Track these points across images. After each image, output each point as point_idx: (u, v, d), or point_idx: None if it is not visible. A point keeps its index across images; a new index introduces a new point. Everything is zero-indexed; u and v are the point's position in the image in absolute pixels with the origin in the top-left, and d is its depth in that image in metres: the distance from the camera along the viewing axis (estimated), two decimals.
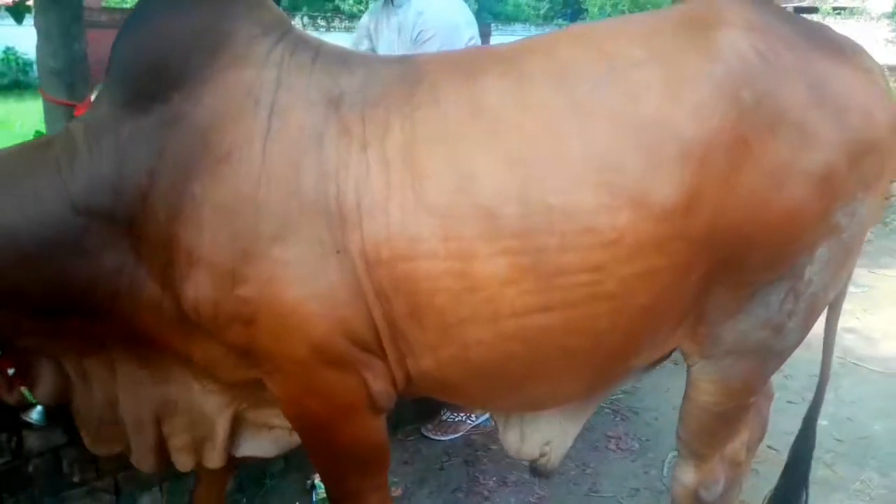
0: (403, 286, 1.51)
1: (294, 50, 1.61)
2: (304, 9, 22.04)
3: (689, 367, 1.84)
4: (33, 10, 2.41)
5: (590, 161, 1.47)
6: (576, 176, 1.47)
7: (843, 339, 4.17)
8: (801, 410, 3.30)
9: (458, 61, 1.68)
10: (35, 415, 1.86)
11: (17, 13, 2.78)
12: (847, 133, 1.49)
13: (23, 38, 15.84)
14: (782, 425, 3.19)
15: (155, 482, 2.41)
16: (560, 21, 30.73)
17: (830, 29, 1.68)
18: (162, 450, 1.90)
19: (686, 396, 1.89)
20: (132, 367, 1.78)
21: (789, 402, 3.45)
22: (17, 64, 16.04)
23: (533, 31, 25.39)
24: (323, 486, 2.64)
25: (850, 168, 1.49)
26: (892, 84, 1.78)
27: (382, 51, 2.96)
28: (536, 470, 2.04)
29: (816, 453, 2.99)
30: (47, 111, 2.55)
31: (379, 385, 1.64)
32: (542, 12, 34.24)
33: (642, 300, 1.54)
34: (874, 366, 3.86)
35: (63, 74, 2.46)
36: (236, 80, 1.54)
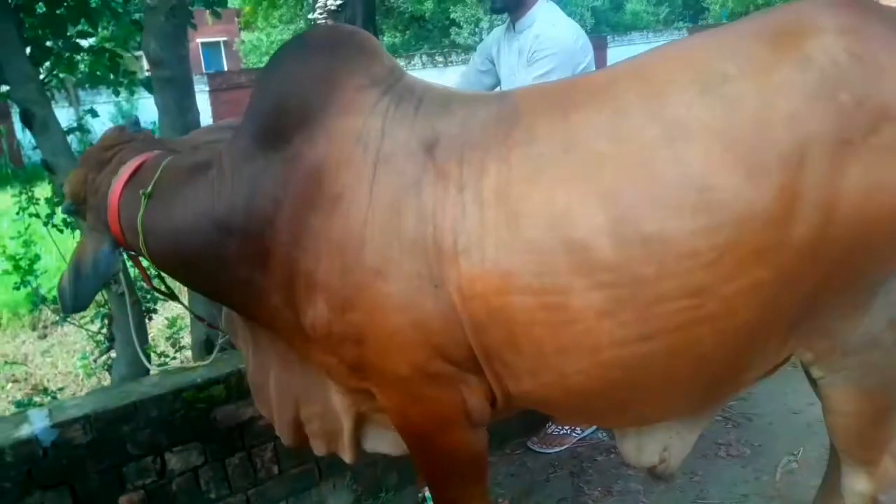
0: (499, 318, 1.60)
1: (400, 101, 1.76)
2: (425, 46, 22.90)
3: (817, 378, 1.78)
4: (154, 89, 2.80)
5: (684, 184, 1.50)
6: (670, 201, 1.50)
7: None
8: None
9: (554, 96, 1.72)
10: None
11: (149, 87, 3.24)
12: None
13: None
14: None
15: (281, 497, 2.68)
16: (680, 24, 29.89)
17: None
18: (298, 429, 2.13)
19: (825, 409, 1.83)
20: (285, 349, 2.03)
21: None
22: None
23: (651, 38, 24.89)
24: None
25: None
26: None
27: (504, 73, 3.11)
28: (656, 475, 2.05)
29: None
30: None
31: (475, 401, 1.78)
32: (661, 17, 33.50)
33: (746, 316, 1.55)
34: None
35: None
36: (346, 128, 1.73)
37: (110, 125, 2.39)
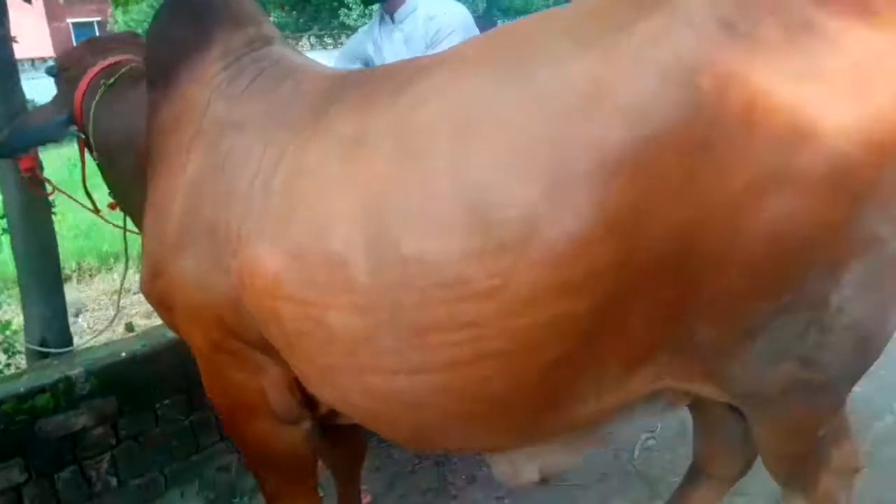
0: (274, 320, 1.48)
1: (239, 74, 1.70)
2: (314, 28, 22.35)
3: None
4: None
5: (458, 197, 1.23)
6: (439, 217, 1.25)
7: None
8: None
9: (377, 80, 1.52)
10: None
11: None
12: (873, 112, 1.09)
13: (41, 90, 16.49)
14: None
15: None
16: None
17: None
18: None
19: (754, 439, 1.63)
20: None
21: None
22: None
23: None
24: None
25: (882, 157, 1.10)
26: None
27: None
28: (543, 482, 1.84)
29: None
30: None
31: (277, 393, 1.69)
32: (551, 1, 34.13)
33: (556, 352, 1.27)
34: None
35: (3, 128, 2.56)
36: (185, 95, 1.73)
37: None
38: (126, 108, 1.96)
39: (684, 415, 2.09)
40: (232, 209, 1.53)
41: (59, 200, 2.68)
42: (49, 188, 2.46)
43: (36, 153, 2.64)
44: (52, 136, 2.13)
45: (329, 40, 19.96)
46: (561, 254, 1.18)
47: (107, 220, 2.34)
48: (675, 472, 2.63)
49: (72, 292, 5.19)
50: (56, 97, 2.20)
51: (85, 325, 4.63)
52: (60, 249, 2.96)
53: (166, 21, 1.87)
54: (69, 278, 5.33)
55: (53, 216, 2.82)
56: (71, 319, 4.61)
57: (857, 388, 3.06)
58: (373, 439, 3.09)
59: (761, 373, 1.31)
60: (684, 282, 1.20)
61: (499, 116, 1.24)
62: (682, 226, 1.15)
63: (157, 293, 1.73)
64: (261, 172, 1.50)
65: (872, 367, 3.60)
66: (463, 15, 2.83)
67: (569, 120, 1.18)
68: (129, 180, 1.96)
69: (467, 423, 1.45)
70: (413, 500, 2.74)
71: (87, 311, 4.95)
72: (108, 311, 4.77)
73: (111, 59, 2.11)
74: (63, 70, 2.17)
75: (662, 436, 2.98)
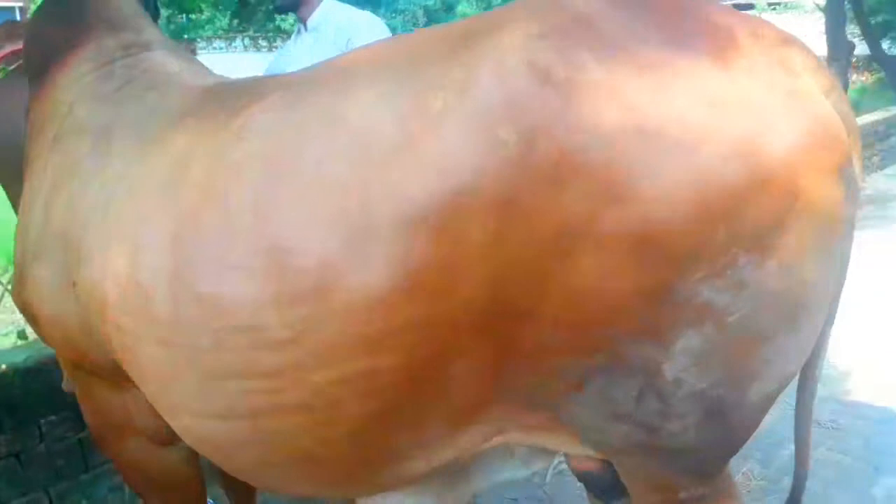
0: (108, 343, 1.42)
1: (108, 78, 1.63)
2: (250, 30, 21.96)
3: None
4: None
5: (259, 239, 1.18)
6: (237, 259, 1.19)
7: None
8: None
9: (232, 95, 1.44)
10: None
11: None
12: (697, 172, 1.00)
13: None
14: None
15: None
16: None
17: (724, 10, 1.15)
18: None
19: None
20: None
21: None
22: None
23: None
24: None
25: (706, 223, 1.01)
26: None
27: None
28: None
29: None
30: None
31: (142, 415, 1.59)
32: None
33: (361, 409, 1.21)
34: None
35: None
36: (51, 97, 1.68)
37: None
38: (14, 101, 1.85)
39: None
40: (78, 220, 1.46)
41: None
42: None
43: None
44: None
45: (264, 42, 19.63)
46: (360, 309, 1.12)
47: None
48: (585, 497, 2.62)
49: None
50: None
51: None
52: None
53: (44, 17, 1.84)
54: None
55: None
56: None
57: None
58: None
59: (605, 428, 1.23)
60: (502, 337, 1.13)
61: (306, 158, 1.17)
62: (492, 282, 1.08)
63: (21, 302, 1.64)
64: (105, 185, 1.43)
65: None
66: (373, 19, 2.81)
67: (373, 170, 1.11)
68: (15, 180, 1.83)
69: (286, 471, 1.38)
70: None
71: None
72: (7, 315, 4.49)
73: (11, 47, 2.06)
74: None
75: None
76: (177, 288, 1.25)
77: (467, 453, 1.31)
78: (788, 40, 1.10)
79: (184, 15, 21.89)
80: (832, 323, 1.28)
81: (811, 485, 2.73)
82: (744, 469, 2.88)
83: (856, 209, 1.16)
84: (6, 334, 4.37)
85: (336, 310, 1.12)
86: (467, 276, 1.08)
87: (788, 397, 3.21)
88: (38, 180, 1.60)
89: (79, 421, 2.42)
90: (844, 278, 1.22)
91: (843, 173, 1.07)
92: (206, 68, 1.81)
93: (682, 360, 1.08)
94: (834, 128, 1.07)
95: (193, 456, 1.70)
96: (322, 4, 2.80)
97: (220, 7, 22.54)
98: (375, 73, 1.20)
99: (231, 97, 1.40)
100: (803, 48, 1.11)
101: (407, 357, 1.14)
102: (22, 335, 3.57)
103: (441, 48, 1.16)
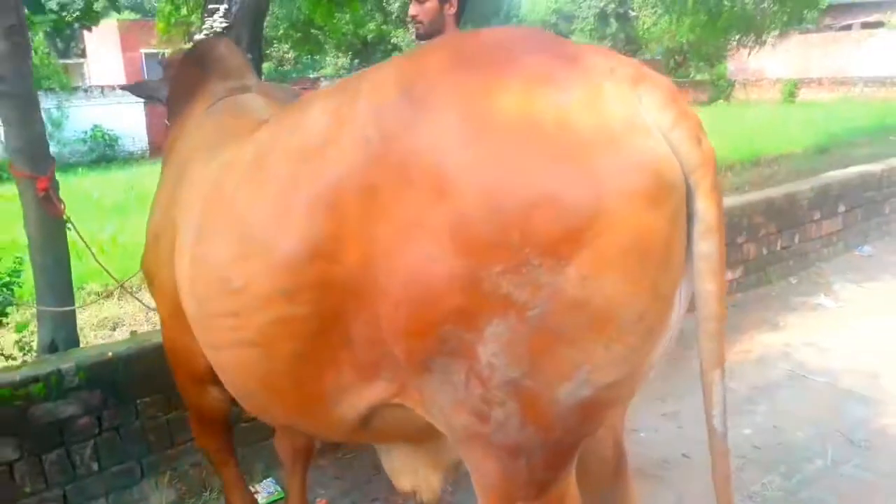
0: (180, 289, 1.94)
1: (212, 112, 2.29)
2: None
3: None
4: None
5: (234, 215, 1.60)
6: (222, 229, 1.63)
7: (799, 352, 4.25)
8: (734, 422, 3.50)
9: (264, 122, 1.87)
10: None
11: None
12: (501, 181, 1.16)
13: (109, 116, 17.55)
14: (699, 434, 3.35)
15: (100, 493, 2.82)
16: None
17: (587, 49, 1.31)
18: None
19: None
20: None
21: None
22: (104, 139, 17.62)
23: None
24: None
25: (503, 225, 1.16)
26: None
27: None
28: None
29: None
30: (18, 182, 3.08)
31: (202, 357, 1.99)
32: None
33: (291, 347, 1.51)
34: (822, 377, 3.91)
35: (25, 152, 2.99)
36: (180, 122, 2.44)
37: None
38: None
39: None
40: (172, 213, 2.01)
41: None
42: (63, 208, 2.90)
43: (52, 175, 3.07)
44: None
45: None
46: (281, 267, 1.44)
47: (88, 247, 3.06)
48: None
49: (112, 308, 5.65)
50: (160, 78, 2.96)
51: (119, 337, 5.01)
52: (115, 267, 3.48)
53: (181, 68, 2.64)
54: (111, 294, 5.77)
55: (68, 231, 3.22)
56: (107, 332, 5.02)
57: (798, 433, 3.30)
58: (339, 451, 3.39)
59: (450, 414, 1.36)
60: (373, 307, 1.34)
61: (270, 158, 1.55)
62: (363, 256, 1.31)
63: (146, 269, 2.25)
64: (190, 186, 1.95)
65: (815, 413, 3.81)
66: None
67: (301, 165, 1.44)
68: None
69: (259, 397, 1.76)
70: None
71: (125, 326, 5.35)
72: (143, 327, 5.14)
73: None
74: (165, 67, 2.95)
75: None
76: (195, 253, 1.73)
77: (376, 405, 1.54)
78: (642, 78, 1.23)
79: (309, 56, 23.49)
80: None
81: (830, 498, 2.85)
82: (764, 479, 3.00)
83: (689, 240, 1.24)
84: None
85: (268, 267, 1.47)
86: (351, 247, 1.33)
87: (824, 416, 3.32)
88: (165, 178, 2.27)
89: (168, 403, 2.93)
90: (670, 310, 1.27)
91: (662, 203, 1.17)
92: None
93: (492, 346, 1.22)
94: (654, 162, 1.17)
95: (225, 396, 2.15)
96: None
97: (343, 48, 23.95)
98: (326, 94, 1.55)
99: (265, 124, 1.84)
100: (656, 87, 1.22)
101: (315, 308, 1.42)
102: (134, 335, 4.15)
103: (358, 75, 1.50)
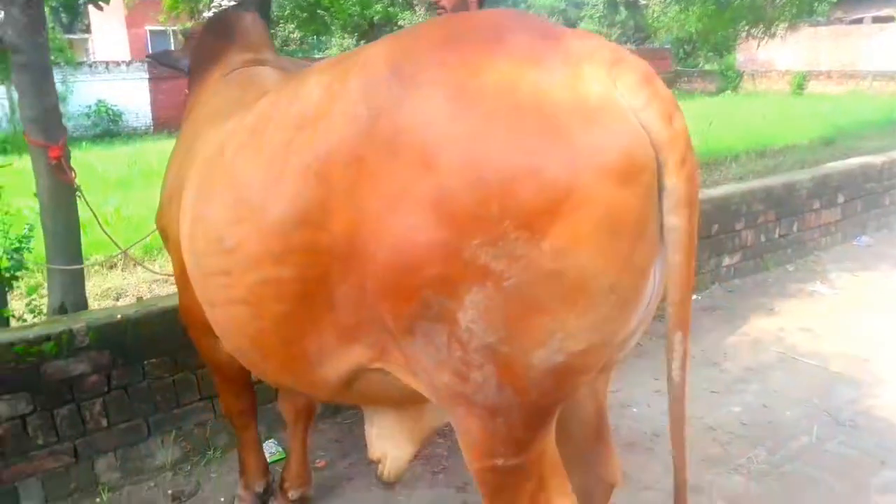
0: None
1: (227, 81, 2.41)
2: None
3: None
4: (12, 72, 3.03)
5: (230, 178, 1.68)
6: (219, 194, 1.71)
7: (793, 336, 4.34)
8: (724, 400, 3.50)
9: (271, 88, 1.98)
10: None
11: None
12: (481, 157, 1.22)
13: (113, 92, 17.61)
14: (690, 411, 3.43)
15: (109, 448, 2.92)
16: (628, 46, 30.79)
17: (567, 31, 1.37)
18: None
19: None
20: None
21: (713, 391, 3.67)
22: (108, 114, 17.70)
23: None
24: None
25: (483, 198, 1.21)
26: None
27: None
28: (380, 477, 2.12)
29: (715, 434, 3.27)
30: (31, 150, 3.17)
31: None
32: (611, 39, 34.48)
33: (278, 307, 1.58)
34: (813, 361, 3.99)
35: (39, 121, 3.07)
36: (199, 88, 2.56)
37: None
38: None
39: None
40: (182, 175, 2.10)
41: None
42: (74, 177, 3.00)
43: (64, 144, 3.15)
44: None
45: None
46: (270, 231, 1.52)
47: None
48: None
49: (116, 278, 5.76)
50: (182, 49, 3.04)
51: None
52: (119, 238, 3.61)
53: (203, 37, 2.76)
54: (115, 265, 5.89)
55: (77, 199, 3.31)
56: (110, 302, 5.13)
57: (787, 412, 3.39)
58: (338, 415, 3.49)
59: (434, 374, 1.42)
60: (358, 273, 1.40)
61: (269, 126, 1.61)
62: (350, 224, 1.37)
63: (160, 227, 2.39)
64: (197, 150, 2.03)
65: (804, 394, 3.88)
66: None
67: (296, 133, 1.50)
68: None
69: (251, 354, 1.83)
70: (359, 468, 3.11)
71: (128, 296, 5.45)
72: (146, 297, 5.22)
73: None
74: (188, 38, 3.06)
75: None
76: (195, 213, 1.82)
77: (356, 367, 1.60)
78: (619, 61, 1.28)
79: (314, 36, 23.49)
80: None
81: (812, 471, 2.94)
82: (750, 454, 3.09)
83: (664, 214, 1.28)
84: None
85: (259, 229, 1.55)
86: (337, 215, 1.39)
87: (813, 397, 3.41)
88: (179, 142, 2.36)
89: (174, 365, 3.03)
90: (644, 283, 1.33)
91: (633, 180, 1.22)
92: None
93: (471, 313, 1.28)
94: (627, 141, 1.22)
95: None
96: None
97: (349, 29, 23.93)
98: (321, 68, 1.61)
99: (271, 88, 1.95)
100: (632, 69, 1.28)
101: (301, 271, 1.49)
102: (140, 300, 4.25)
103: (352, 52, 1.56)
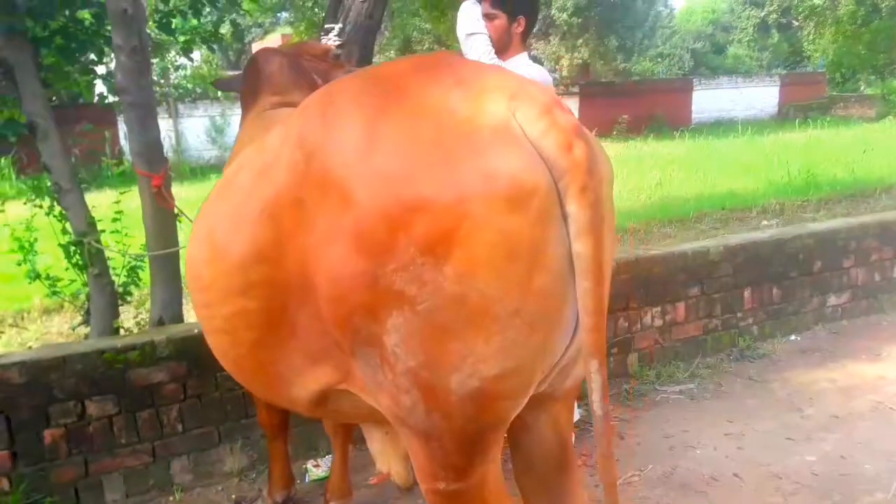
0: None
1: (260, 119, 2.64)
2: None
3: None
4: (123, 111, 3.46)
5: (209, 220, 1.87)
6: (201, 236, 1.89)
7: (892, 386, 3.99)
8: (799, 448, 3.36)
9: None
10: None
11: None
12: (387, 192, 1.32)
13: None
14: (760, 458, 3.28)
15: (183, 451, 3.22)
16: (778, 71, 29.28)
17: (480, 67, 1.56)
18: None
19: None
20: None
21: (788, 438, 3.47)
22: None
23: (740, 83, 24.58)
24: (314, 470, 3.33)
25: (391, 228, 1.31)
26: None
27: None
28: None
29: (779, 483, 3.10)
30: (139, 180, 3.58)
31: None
32: (763, 63, 32.89)
33: (249, 335, 1.73)
34: None
35: (143, 154, 3.48)
36: (244, 123, 2.80)
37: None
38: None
39: None
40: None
41: None
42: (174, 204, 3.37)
43: (165, 174, 3.53)
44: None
45: None
46: (235, 268, 1.69)
47: None
48: None
49: None
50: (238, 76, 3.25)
51: None
52: None
53: (247, 73, 2.95)
54: None
55: (178, 223, 3.69)
56: None
57: (867, 465, 3.14)
58: None
59: (378, 396, 1.51)
60: (313, 303, 1.51)
61: (246, 168, 1.78)
62: (299, 261, 1.51)
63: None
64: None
65: (891, 448, 3.64)
66: (547, 83, 3.31)
67: (256, 179, 1.66)
68: None
69: (238, 375, 2.00)
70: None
71: None
72: None
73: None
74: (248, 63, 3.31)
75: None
76: (188, 253, 2.03)
77: (325, 387, 1.69)
78: (519, 94, 1.36)
79: None
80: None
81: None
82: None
83: (571, 241, 1.33)
84: None
85: (226, 267, 1.72)
86: (289, 252, 1.53)
87: None
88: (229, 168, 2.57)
89: None
90: (554, 307, 1.37)
91: (522, 206, 1.28)
92: None
93: (394, 337, 1.36)
94: (514, 166, 1.29)
95: None
96: (518, 56, 3.26)
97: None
98: (286, 116, 1.77)
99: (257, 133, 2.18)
100: (532, 101, 1.35)
101: (265, 303, 1.64)
102: None
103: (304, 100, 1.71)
